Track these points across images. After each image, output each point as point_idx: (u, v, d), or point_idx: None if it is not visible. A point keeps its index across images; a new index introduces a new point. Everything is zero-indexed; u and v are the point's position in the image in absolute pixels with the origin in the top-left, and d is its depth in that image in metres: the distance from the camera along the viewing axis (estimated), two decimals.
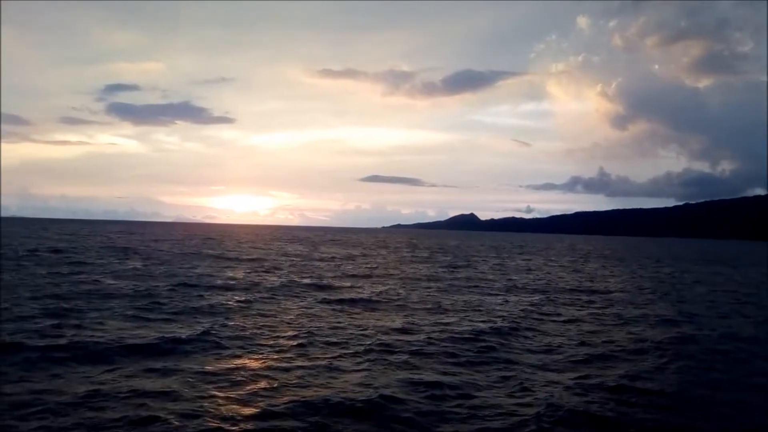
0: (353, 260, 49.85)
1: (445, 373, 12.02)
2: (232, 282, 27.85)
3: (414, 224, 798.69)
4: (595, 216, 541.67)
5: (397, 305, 21.86)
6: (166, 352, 13.04)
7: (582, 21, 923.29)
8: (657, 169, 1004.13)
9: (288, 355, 13.19)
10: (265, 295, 23.51)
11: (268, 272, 34.65)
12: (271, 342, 14.48)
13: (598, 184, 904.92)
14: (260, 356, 13.00)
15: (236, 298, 22.27)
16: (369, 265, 43.41)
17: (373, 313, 19.75)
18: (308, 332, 15.77)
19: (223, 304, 20.42)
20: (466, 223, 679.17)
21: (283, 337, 15.17)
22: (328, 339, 15.04)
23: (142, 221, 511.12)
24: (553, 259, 63.44)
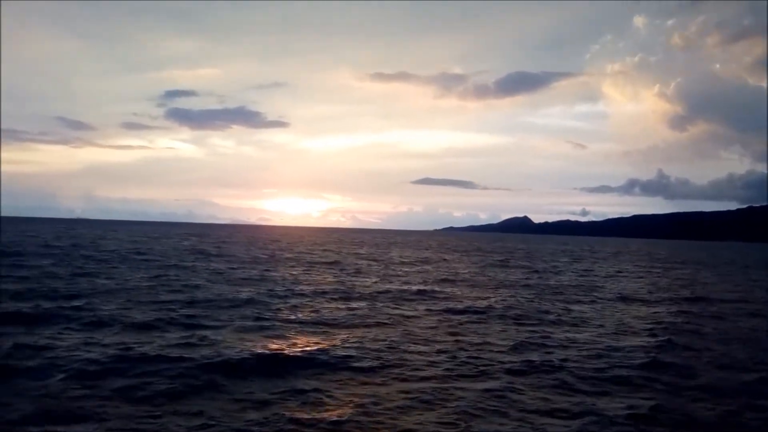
0: (430, 263, 48.60)
1: (653, 400, 10.59)
2: (327, 287, 26.94)
3: (466, 227, 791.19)
4: (653, 219, 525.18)
5: (517, 315, 20.45)
6: (335, 368, 12.06)
7: (639, 21, 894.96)
8: (718, 171, 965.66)
9: (455, 373, 12.01)
10: (379, 303, 22.48)
11: (355, 276, 33.75)
12: (430, 359, 13.30)
13: (657, 187, 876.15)
14: (438, 375, 11.84)
15: (351, 306, 21.32)
16: (451, 269, 42.04)
17: (505, 326, 18.39)
18: (455, 347, 14.57)
19: (350, 314, 19.45)
20: (520, 226, 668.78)
21: (436, 352, 13.97)
22: (480, 356, 13.79)
23: (199, 223, 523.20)
24: (640, 264, 60.61)
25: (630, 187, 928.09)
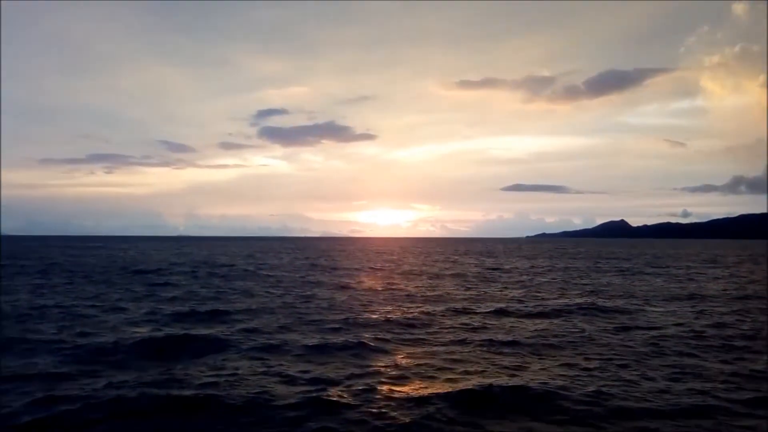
0: (558, 271, 45.34)
1: None
2: (513, 305, 24.77)
3: (560, 233, 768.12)
4: (764, 219, 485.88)
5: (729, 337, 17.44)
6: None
7: (738, 8, 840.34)
8: None
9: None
10: (576, 319, 20.12)
11: (498, 289, 31.34)
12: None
13: (765, 184, 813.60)
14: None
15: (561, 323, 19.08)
16: (586, 280, 38.71)
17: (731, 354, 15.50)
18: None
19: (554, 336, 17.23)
20: (617, 230, 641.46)
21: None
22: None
23: (293, 236, 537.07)
24: None
25: (735, 185, 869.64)
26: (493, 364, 13.15)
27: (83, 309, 21.37)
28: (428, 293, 28.45)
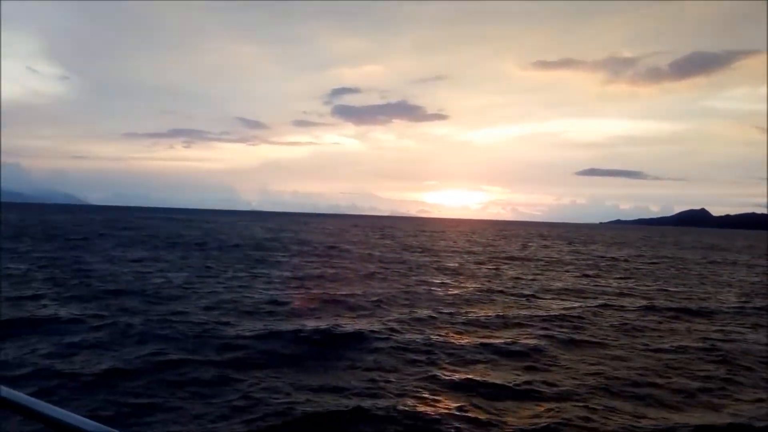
0: (675, 262, 41.84)
1: None
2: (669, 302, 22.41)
3: (635, 220, 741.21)
4: None
5: None
6: None
7: None
8: None
9: None
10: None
11: (617, 279, 28.70)
12: None
13: None
14: None
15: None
16: (724, 276, 35.30)
17: None
18: None
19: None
20: (696, 219, 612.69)
21: None
22: None
23: (362, 215, 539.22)
24: None
25: None
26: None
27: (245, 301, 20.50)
28: (556, 284, 26.24)
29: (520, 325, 15.89)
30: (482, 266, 34.29)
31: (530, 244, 68.68)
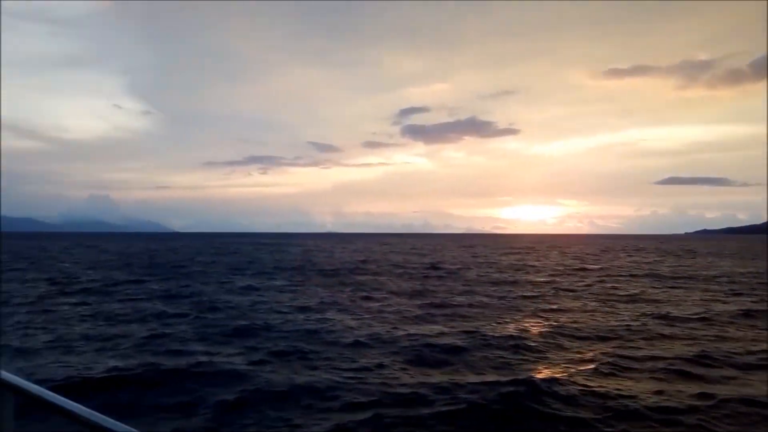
0: None
1: None
2: None
3: (723, 229, 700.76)
4: None
5: None
6: None
7: None
8: None
9: None
10: None
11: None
12: None
13: None
14: None
15: None
16: None
17: None
18: None
19: None
20: None
21: None
22: None
23: (437, 233, 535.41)
24: None
25: None
26: None
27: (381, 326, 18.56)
28: (730, 307, 22.83)
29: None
30: (610, 285, 30.99)
31: (639, 258, 63.95)
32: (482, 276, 37.16)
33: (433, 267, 45.95)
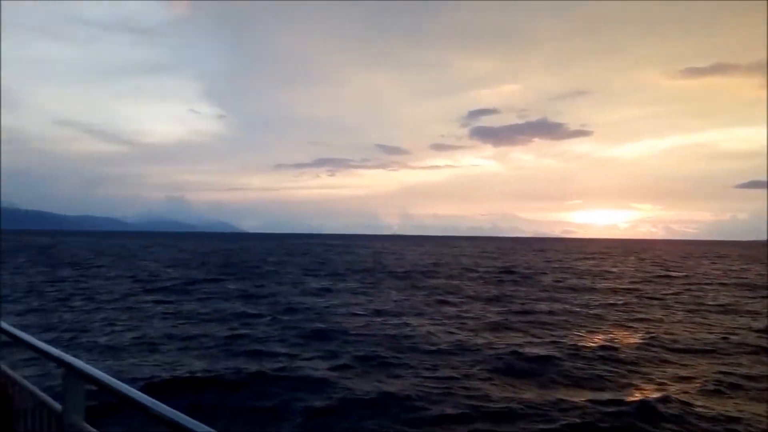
0: None
1: None
2: None
3: None
4: None
5: None
6: None
7: None
8: None
9: None
10: None
11: None
12: None
13: None
14: None
15: None
16: None
17: None
18: None
19: None
20: None
21: None
22: None
23: (504, 236, 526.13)
24: None
25: None
26: None
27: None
28: None
29: None
30: (699, 293, 29.08)
31: (724, 265, 60.38)
32: (559, 282, 35.85)
33: (507, 271, 44.82)
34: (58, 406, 2.68)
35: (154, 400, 1.89)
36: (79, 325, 16.81)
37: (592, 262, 65.74)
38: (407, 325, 17.81)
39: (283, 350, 13.69)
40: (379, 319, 18.88)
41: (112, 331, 15.94)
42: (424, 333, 16.36)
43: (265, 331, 16.19)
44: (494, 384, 11.09)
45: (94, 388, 2.34)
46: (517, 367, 12.42)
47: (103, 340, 14.30)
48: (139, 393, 2.00)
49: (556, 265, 55.62)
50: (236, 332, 15.95)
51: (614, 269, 51.12)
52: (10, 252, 64.97)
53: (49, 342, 3.09)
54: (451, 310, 21.74)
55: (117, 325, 16.86)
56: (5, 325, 3.41)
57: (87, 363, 2.47)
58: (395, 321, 18.61)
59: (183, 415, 1.73)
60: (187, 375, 11.13)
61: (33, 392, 2.97)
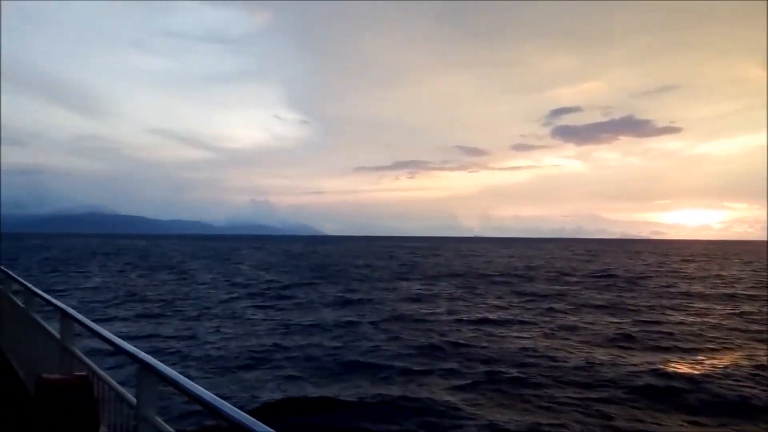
0: None
1: None
2: None
3: None
4: None
5: None
6: None
7: None
8: None
9: None
10: None
11: None
12: None
13: None
14: None
15: None
16: None
17: None
18: None
19: None
20: None
21: None
22: None
23: (589, 238, 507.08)
24: None
25: None
26: None
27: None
28: None
29: None
30: None
31: None
32: (668, 287, 33.30)
33: (607, 275, 42.39)
34: (133, 399, 2.82)
35: (221, 400, 1.98)
36: (187, 333, 16.62)
37: (694, 264, 61.56)
38: (522, 337, 16.54)
39: (398, 364, 12.78)
40: (488, 329, 17.71)
41: (221, 339, 15.60)
42: (544, 347, 15.04)
43: (373, 342, 15.37)
44: (665, 425, 9.60)
45: (165, 385, 2.48)
46: (666, 392, 10.94)
47: (214, 352, 13.84)
48: (207, 392, 2.09)
49: (657, 269, 52.28)
50: (343, 342, 15.22)
51: (722, 273, 47.41)
52: (111, 255, 68.23)
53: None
54: (563, 319, 20.23)
55: (223, 333, 16.54)
56: (86, 320, 3.71)
57: (159, 361, 2.60)
58: (507, 332, 17.38)
59: (248, 416, 1.80)
60: (302, 396, 10.39)
61: (112, 385, 3.20)
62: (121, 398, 3.06)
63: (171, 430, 2.55)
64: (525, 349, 14.69)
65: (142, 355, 2.72)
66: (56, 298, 4.58)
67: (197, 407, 2.23)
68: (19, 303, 5.64)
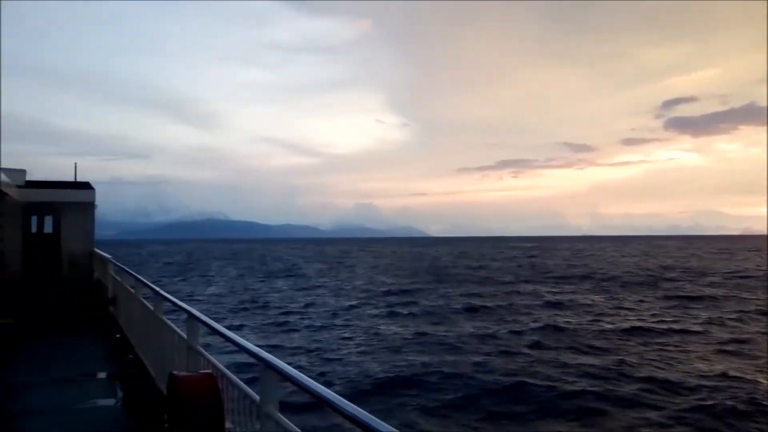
0: None
1: None
2: None
3: None
4: None
5: None
6: None
7: None
8: None
9: None
10: None
11: None
12: None
13: None
14: None
15: None
16: None
17: None
18: None
19: None
20: None
21: None
22: None
23: (708, 235, 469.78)
24: None
25: None
26: None
27: None
28: None
29: None
30: None
31: None
32: None
33: (748, 275, 37.76)
34: (256, 396, 2.94)
35: (340, 398, 2.00)
36: (316, 345, 15.44)
37: None
38: (697, 354, 13.94)
39: (567, 388, 10.77)
40: (652, 341, 15.25)
41: (356, 353, 14.24)
42: (735, 369, 12.40)
43: (528, 359, 13.38)
44: None
45: (286, 383, 2.52)
46: None
47: (354, 371, 12.31)
48: (326, 390, 2.13)
49: None
50: (497, 360, 13.31)
51: None
52: (230, 259, 70.32)
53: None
54: (732, 329, 17.30)
55: (357, 347, 15.18)
56: (210, 321, 3.91)
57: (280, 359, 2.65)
58: (678, 345, 14.84)
59: (367, 413, 1.79)
60: None
61: (235, 382, 3.31)
62: (244, 395, 3.16)
63: (292, 425, 2.55)
64: (713, 372, 12.14)
65: (264, 353, 2.80)
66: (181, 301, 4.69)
67: (316, 403, 2.14)
68: (149, 306, 5.94)
